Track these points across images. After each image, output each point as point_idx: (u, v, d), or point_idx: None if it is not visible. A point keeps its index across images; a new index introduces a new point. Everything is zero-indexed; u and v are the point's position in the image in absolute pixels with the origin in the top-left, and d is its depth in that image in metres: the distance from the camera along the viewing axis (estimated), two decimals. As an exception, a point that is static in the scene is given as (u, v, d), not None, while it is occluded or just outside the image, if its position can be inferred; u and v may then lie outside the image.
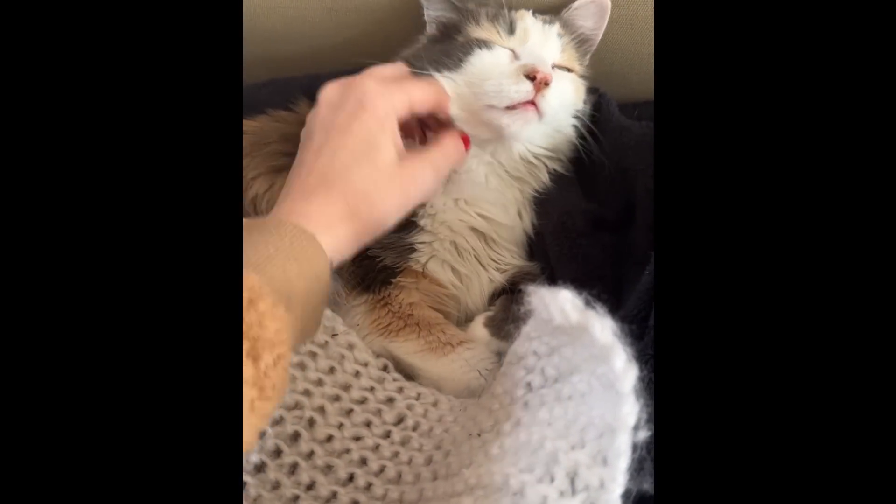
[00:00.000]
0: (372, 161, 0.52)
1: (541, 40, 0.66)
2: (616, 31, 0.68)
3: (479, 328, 0.66)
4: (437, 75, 0.64)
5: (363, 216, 0.51)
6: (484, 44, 0.65)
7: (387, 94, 0.55)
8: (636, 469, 0.36)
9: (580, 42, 0.70)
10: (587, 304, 0.38)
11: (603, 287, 0.63)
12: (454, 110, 0.63)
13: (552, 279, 0.67)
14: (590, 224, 0.68)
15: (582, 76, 0.70)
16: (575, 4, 0.70)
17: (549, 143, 0.70)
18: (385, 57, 0.73)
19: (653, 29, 0.69)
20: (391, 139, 0.54)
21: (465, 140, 0.61)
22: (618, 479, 0.36)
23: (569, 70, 0.68)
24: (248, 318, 0.39)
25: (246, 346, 0.38)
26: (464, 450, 0.46)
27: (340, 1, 0.72)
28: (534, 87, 0.60)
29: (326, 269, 0.48)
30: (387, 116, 0.54)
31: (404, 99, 0.55)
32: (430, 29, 0.70)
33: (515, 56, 0.64)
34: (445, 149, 0.58)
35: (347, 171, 0.52)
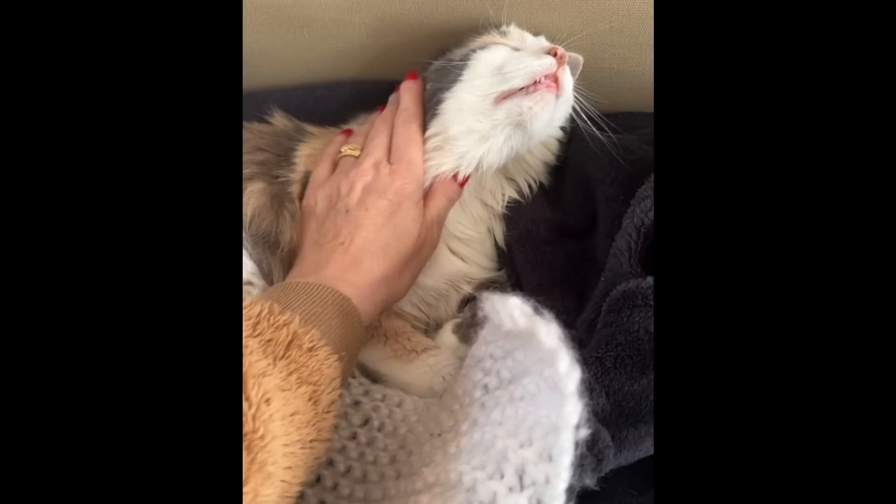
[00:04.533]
0: (408, 243, 0.62)
1: (537, 40, 0.66)
2: (578, 48, 0.70)
3: (447, 335, 0.68)
4: (445, 96, 0.65)
5: (395, 282, 0.61)
6: (482, 47, 0.65)
7: (415, 180, 0.64)
8: (578, 465, 0.38)
9: None
10: (535, 310, 0.41)
11: (566, 292, 0.66)
12: (459, 129, 0.64)
13: (518, 285, 0.69)
14: (554, 232, 0.70)
15: None
16: None
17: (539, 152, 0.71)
18: (356, 72, 0.76)
19: (620, 45, 0.71)
20: (420, 217, 0.63)
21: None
22: (562, 474, 0.38)
23: None
24: (311, 364, 0.46)
25: (308, 390, 0.45)
26: (425, 449, 0.48)
27: (313, 19, 0.74)
28: (556, 61, 0.61)
29: (363, 330, 0.56)
30: (417, 197, 0.64)
31: (422, 177, 0.65)
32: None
33: (517, 50, 0.65)
34: (442, 198, 0.66)
35: (388, 250, 0.60)
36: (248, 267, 0.64)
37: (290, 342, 0.46)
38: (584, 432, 0.38)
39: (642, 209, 0.58)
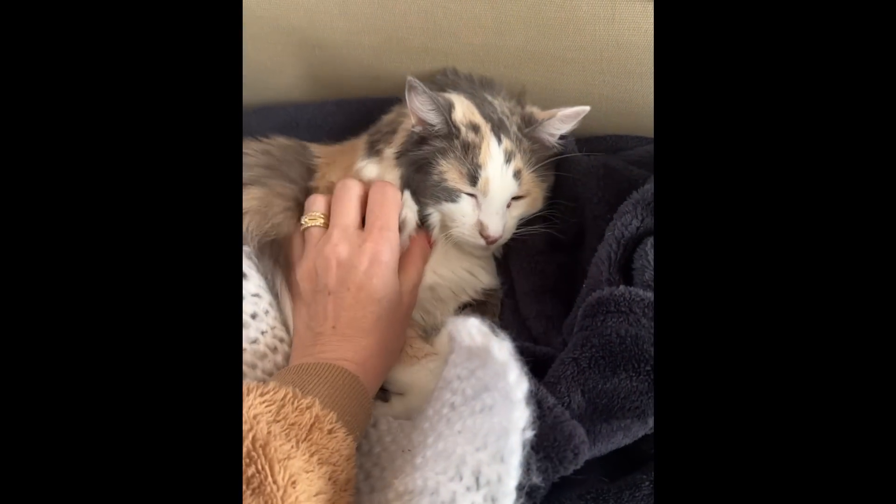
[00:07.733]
0: (391, 303, 0.64)
1: (500, 188, 0.69)
2: (571, 74, 0.74)
3: (446, 336, 0.73)
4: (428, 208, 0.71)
5: (391, 347, 0.65)
6: (452, 193, 0.69)
7: (390, 247, 0.66)
8: (525, 465, 0.43)
9: (540, 161, 0.72)
10: (491, 329, 0.45)
11: (556, 299, 0.70)
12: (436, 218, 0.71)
13: (512, 292, 0.73)
14: (547, 244, 0.74)
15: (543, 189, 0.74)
16: (559, 114, 0.71)
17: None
18: (363, 90, 0.80)
19: (610, 73, 0.74)
20: (396, 277, 0.66)
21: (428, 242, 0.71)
22: (512, 473, 0.42)
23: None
24: (331, 445, 0.49)
25: (329, 470, 0.48)
26: (396, 464, 0.53)
27: (325, 40, 0.78)
28: (487, 244, 0.70)
29: (370, 402, 0.59)
30: (394, 262, 0.66)
31: (397, 240, 0.67)
32: (413, 124, 0.71)
33: (478, 203, 0.69)
34: (417, 258, 0.70)
35: (379, 322, 0.63)
36: (256, 279, 0.69)
37: (312, 425, 0.49)
38: (530, 434, 0.42)
39: (623, 222, 0.61)
